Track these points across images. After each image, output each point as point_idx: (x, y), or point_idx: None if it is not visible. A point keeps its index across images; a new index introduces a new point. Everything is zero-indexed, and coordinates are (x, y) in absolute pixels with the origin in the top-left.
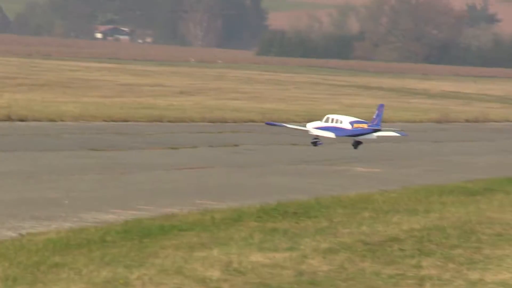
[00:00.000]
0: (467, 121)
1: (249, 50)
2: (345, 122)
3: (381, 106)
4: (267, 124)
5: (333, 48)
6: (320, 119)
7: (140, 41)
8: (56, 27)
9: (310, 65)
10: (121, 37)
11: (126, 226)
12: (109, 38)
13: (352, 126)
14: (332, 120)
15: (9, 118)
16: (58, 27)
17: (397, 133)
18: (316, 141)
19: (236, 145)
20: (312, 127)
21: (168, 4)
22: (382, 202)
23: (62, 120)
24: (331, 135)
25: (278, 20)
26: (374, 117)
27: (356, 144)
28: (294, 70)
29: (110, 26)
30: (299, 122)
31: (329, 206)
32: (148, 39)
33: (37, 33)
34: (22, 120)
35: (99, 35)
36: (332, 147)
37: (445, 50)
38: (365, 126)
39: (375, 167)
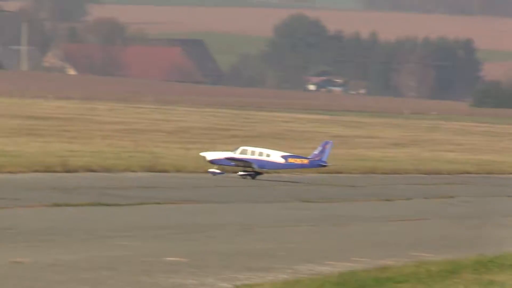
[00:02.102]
0: None
1: (463, 101)
2: (274, 155)
3: (327, 143)
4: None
5: None
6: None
7: (353, 92)
8: (269, 78)
9: None
10: (334, 88)
11: (341, 278)
12: (322, 89)
13: (286, 160)
14: (253, 152)
15: (223, 170)
16: (271, 79)
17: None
18: (250, 174)
19: (451, 197)
20: (224, 157)
21: (381, 56)
22: None
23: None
24: (257, 167)
25: (493, 71)
26: (316, 152)
27: (255, 174)
28: (510, 121)
29: (323, 78)
30: None
31: None
32: (361, 91)
33: (250, 85)
34: (236, 172)
35: (312, 87)
36: None
37: None
38: (305, 161)
39: None
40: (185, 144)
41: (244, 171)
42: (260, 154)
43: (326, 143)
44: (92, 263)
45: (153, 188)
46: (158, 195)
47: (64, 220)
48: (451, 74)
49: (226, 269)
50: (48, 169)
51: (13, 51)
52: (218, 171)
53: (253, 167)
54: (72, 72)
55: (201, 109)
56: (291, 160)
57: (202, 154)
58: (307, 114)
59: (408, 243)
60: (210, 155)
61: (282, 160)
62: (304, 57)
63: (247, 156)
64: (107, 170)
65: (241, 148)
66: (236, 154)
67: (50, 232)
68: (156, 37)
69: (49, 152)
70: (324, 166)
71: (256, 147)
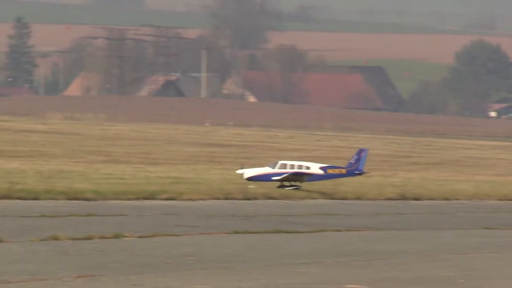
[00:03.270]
0: None
1: None
2: (313, 168)
3: (361, 151)
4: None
5: None
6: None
7: None
8: (449, 105)
9: None
10: None
11: None
12: (503, 116)
13: (326, 171)
14: (292, 166)
15: (403, 197)
16: (452, 106)
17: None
18: (296, 187)
19: None
20: (265, 172)
21: None
22: None
23: (456, 199)
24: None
25: None
26: (352, 161)
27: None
28: None
29: (504, 104)
30: None
31: None
32: None
33: (431, 112)
34: (416, 199)
35: (493, 113)
36: None
37: None
38: (343, 171)
39: None
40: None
41: (292, 185)
42: (300, 167)
43: (361, 151)
44: None
45: (333, 215)
46: (338, 222)
47: (244, 247)
48: None
49: None
50: (227, 196)
51: (193, 78)
52: (253, 186)
53: (305, 180)
54: (252, 99)
55: (381, 136)
56: (330, 170)
57: (239, 171)
58: (489, 141)
59: None
60: (248, 172)
61: (322, 172)
62: (485, 84)
63: (295, 170)
64: (287, 197)
65: (280, 162)
66: (276, 169)
67: (230, 260)
68: (336, 64)
69: (228, 179)
70: (360, 174)
71: (294, 160)
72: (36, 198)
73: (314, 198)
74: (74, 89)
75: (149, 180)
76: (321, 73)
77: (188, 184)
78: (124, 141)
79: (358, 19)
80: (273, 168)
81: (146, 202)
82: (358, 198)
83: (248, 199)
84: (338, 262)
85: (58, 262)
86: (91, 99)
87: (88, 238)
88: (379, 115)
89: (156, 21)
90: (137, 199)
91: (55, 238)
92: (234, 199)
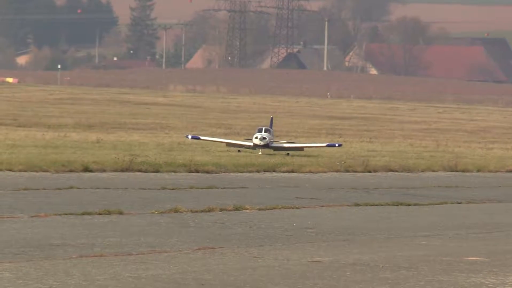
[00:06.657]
0: None
1: None
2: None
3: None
4: (192, 138)
5: None
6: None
7: None
8: None
9: None
10: None
11: None
12: None
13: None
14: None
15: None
16: None
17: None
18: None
19: None
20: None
21: None
22: None
23: None
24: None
25: None
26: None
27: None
28: None
29: None
30: None
31: None
32: None
33: None
34: None
35: None
36: None
37: None
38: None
39: None
40: (486, 143)
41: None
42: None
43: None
44: (392, 262)
45: (454, 188)
46: (459, 195)
47: (364, 220)
48: None
49: None
50: (348, 169)
51: (315, 51)
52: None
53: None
54: (373, 71)
55: (503, 109)
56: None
57: (257, 137)
58: None
59: None
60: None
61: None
62: None
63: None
64: (408, 169)
65: (264, 128)
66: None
67: (350, 232)
68: (458, 36)
69: (350, 151)
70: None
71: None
72: (156, 171)
73: (435, 171)
74: (196, 61)
75: (270, 152)
76: (443, 46)
77: (308, 157)
78: (245, 114)
79: None
80: (271, 134)
81: (267, 174)
82: (479, 170)
83: (369, 171)
84: (458, 235)
85: (178, 234)
86: (212, 71)
87: (209, 210)
88: (501, 88)
89: None
90: (258, 171)
91: (176, 211)
92: (355, 171)
